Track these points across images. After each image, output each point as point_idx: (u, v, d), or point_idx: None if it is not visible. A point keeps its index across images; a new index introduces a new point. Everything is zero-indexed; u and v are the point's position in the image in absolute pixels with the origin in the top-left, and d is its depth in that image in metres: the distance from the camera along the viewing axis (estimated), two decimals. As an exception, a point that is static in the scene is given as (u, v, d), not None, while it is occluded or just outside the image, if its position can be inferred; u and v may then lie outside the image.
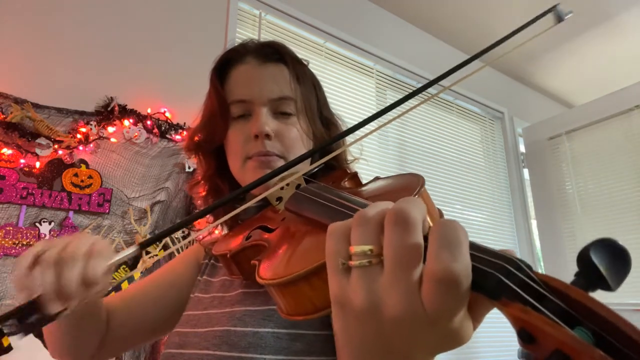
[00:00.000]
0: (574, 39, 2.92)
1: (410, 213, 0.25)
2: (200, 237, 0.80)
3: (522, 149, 3.22)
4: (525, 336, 0.22)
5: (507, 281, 0.23)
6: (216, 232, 1.03)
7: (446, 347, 0.26)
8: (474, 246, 0.26)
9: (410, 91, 0.44)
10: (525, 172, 3.18)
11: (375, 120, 0.47)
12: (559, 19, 0.49)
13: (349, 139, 0.79)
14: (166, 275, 0.74)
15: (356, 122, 0.48)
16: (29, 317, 0.39)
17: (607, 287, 0.23)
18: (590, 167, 2.83)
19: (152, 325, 0.71)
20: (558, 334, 0.20)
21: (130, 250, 0.42)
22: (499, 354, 2.48)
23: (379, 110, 0.43)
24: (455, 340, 0.26)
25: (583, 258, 0.23)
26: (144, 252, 1.50)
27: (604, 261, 0.23)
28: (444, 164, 2.69)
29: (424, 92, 0.50)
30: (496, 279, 0.23)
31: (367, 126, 0.47)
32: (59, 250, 0.43)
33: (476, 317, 0.26)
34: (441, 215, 0.38)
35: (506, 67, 3.25)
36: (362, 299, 0.25)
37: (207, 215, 0.79)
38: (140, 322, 0.70)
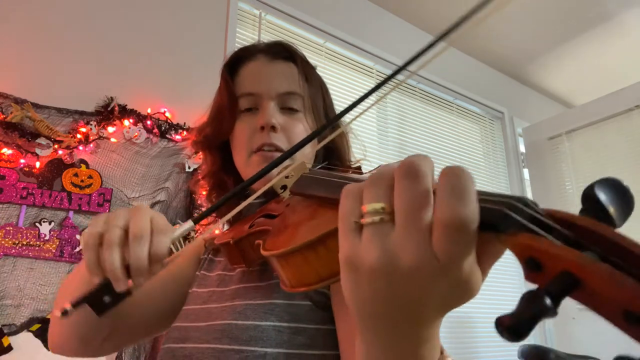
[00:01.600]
0: (574, 39, 2.92)
1: (419, 165, 0.26)
2: (207, 235, 0.80)
3: (522, 149, 3.22)
4: (532, 264, 0.22)
5: (513, 214, 0.23)
6: (216, 231, 1.03)
7: (457, 299, 0.26)
8: (482, 192, 0.26)
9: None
10: (525, 172, 3.18)
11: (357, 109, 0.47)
12: None
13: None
14: (169, 270, 0.75)
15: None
16: (103, 298, 0.41)
17: (612, 223, 0.23)
18: (590, 167, 2.83)
19: (156, 318, 0.71)
20: (564, 254, 0.21)
21: (186, 226, 0.44)
22: (499, 354, 2.48)
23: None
24: (465, 290, 0.26)
25: (588, 194, 0.24)
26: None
27: (608, 197, 0.24)
28: (444, 164, 2.69)
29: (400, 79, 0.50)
30: (503, 214, 0.24)
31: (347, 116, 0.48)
32: (122, 228, 0.43)
33: (484, 267, 0.27)
34: None
35: (506, 67, 3.25)
36: (375, 255, 0.26)
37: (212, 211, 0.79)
38: (146, 314, 0.70)
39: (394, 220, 0.26)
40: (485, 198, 0.25)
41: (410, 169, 0.26)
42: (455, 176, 0.25)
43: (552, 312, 0.20)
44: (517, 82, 3.43)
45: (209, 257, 0.73)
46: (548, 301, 0.20)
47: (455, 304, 0.27)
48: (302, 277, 0.34)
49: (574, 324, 2.62)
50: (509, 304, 2.65)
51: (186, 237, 0.46)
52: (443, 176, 0.25)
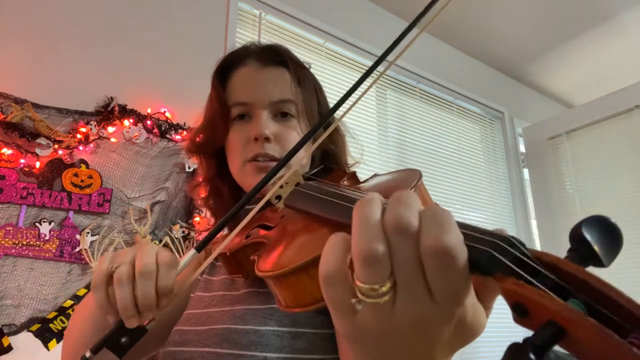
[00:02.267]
0: (574, 39, 2.92)
1: (409, 219, 0.24)
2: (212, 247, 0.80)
3: (522, 149, 3.22)
4: (519, 309, 0.22)
5: (500, 257, 0.23)
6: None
7: (464, 339, 0.26)
8: (467, 226, 0.26)
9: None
10: (525, 172, 3.18)
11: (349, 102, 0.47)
12: None
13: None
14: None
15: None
16: (120, 340, 0.42)
17: (600, 263, 0.23)
18: (590, 167, 2.83)
19: (164, 329, 0.70)
20: (551, 305, 0.21)
21: (190, 255, 0.44)
22: (499, 354, 2.48)
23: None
24: (470, 330, 0.26)
25: (575, 234, 0.24)
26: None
27: (595, 237, 0.24)
28: (444, 164, 2.69)
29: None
30: (489, 255, 0.23)
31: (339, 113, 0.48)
32: (130, 264, 0.43)
33: (486, 304, 0.27)
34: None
35: (506, 67, 3.25)
36: (382, 326, 0.25)
37: (210, 223, 0.79)
38: (157, 333, 0.69)
39: (395, 285, 0.25)
40: (471, 234, 0.25)
41: (401, 227, 0.24)
42: (431, 211, 0.24)
43: None
44: (517, 82, 3.42)
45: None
46: (532, 357, 0.20)
47: (462, 345, 0.27)
48: (297, 298, 0.34)
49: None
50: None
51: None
52: (424, 214, 0.24)
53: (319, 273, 0.26)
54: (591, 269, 0.23)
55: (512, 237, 0.24)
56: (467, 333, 0.26)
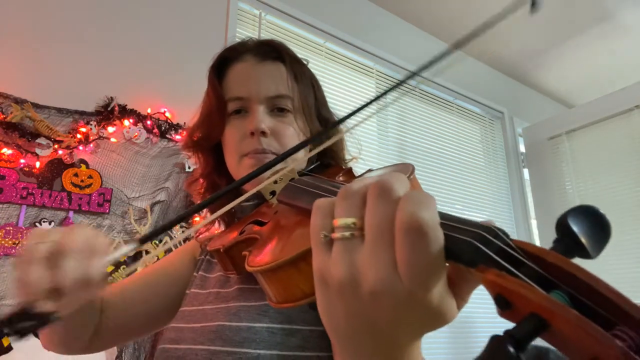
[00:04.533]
0: (574, 39, 2.92)
1: (393, 185, 0.25)
2: (197, 233, 0.80)
3: (522, 149, 3.22)
4: (502, 302, 0.22)
5: (483, 248, 0.23)
6: (216, 232, 1.03)
7: (429, 325, 0.26)
8: (451, 217, 0.26)
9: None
10: (525, 172, 3.18)
11: (363, 112, 0.47)
12: (535, 5, 0.49)
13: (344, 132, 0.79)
14: (162, 268, 0.75)
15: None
16: (22, 323, 0.36)
17: (586, 255, 0.23)
18: (590, 167, 2.83)
19: (146, 316, 0.71)
20: (533, 297, 0.20)
21: (129, 247, 0.39)
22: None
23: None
24: (437, 317, 0.26)
25: (561, 224, 0.23)
26: (144, 253, 1.50)
27: (582, 227, 0.23)
28: (444, 164, 2.69)
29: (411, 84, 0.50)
30: (473, 246, 0.23)
31: (353, 120, 0.48)
32: (53, 243, 0.39)
33: (461, 295, 0.26)
34: None
35: (506, 67, 3.25)
36: (342, 271, 0.26)
37: (205, 212, 0.79)
38: (135, 312, 0.70)
39: (363, 236, 0.26)
40: (455, 226, 0.25)
41: (384, 188, 0.25)
42: (415, 192, 0.25)
43: (516, 358, 0.19)
44: (517, 82, 3.42)
45: (206, 257, 0.73)
46: (512, 350, 0.19)
47: (429, 329, 0.27)
48: (287, 293, 0.34)
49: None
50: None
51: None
52: (405, 194, 0.25)
53: (313, 205, 0.28)
54: (578, 261, 0.22)
55: (496, 228, 0.24)
56: (434, 320, 0.26)
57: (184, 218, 0.44)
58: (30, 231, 0.39)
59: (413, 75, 0.46)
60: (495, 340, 0.20)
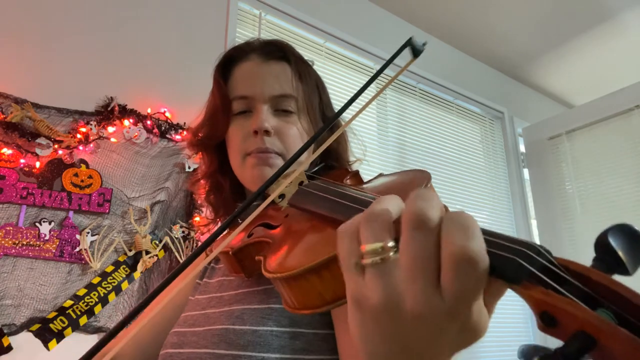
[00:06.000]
0: (574, 39, 2.92)
1: (428, 214, 0.25)
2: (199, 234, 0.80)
3: (522, 149, 3.22)
4: (547, 319, 0.22)
5: (527, 265, 0.23)
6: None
7: (466, 341, 0.26)
8: (493, 234, 0.26)
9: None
10: (525, 172, 3.18)
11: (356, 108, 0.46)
12: (416, 51, 0.49)
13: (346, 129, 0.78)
14: (172, 303, 0.73)
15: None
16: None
17: (625, 272, 0.23)
18: (590, 167, 2.83)
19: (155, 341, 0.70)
20: (581, 315, 0.20)
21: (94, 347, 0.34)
22: (498, 354, 2.48)
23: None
24: (474, 333, 0.25)
25: (601, 242, 0.24)
26: (144, 253, 1.50)
27: (621, 245, 0.23)
28: (444, 164, 2.69)
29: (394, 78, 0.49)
30: (517, 264, 0.23)
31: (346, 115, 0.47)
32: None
33: (490, 307, 0.26)
34: (446, 209, 0.38)
35: (506, 67, 3.25)
36: (379, 296, 0.25)
37: (209, 218, 0.78)
38: (151, 353, 0.69)
39: (396, 257, 0.25)
40: (498, 242, 0.25)
41: (420, 220, 0.25)
42: (459, 215, 0.25)
43: None
44: (517, 82, 3.42)
45: (211, 265, 0.73)
46: None
47: (463, 346, 0.26)
48: (307, 300, 0.34)
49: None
50: (509, 303, 2.65)
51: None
52: (447, 216, 0.25)
53: (338, 232, 0.28)
54: (617, 278, 0.23)
55: (539, 246, 0.24)
56: (470, 335, 0.26)
57: (224, 229, 0.43)
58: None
59: (388, 63, 0.45)
60: (546, 357, 0.20)
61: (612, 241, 0.23)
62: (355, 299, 0.27)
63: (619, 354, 0.19)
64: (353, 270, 0.27)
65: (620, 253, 0.23)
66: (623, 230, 0.24)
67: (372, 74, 2.50)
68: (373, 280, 0.26)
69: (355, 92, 0.46)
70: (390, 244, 0.26)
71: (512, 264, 0.23)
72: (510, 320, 2.66)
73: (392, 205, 0.27)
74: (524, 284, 0.23)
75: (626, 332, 0.19)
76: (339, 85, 2.31)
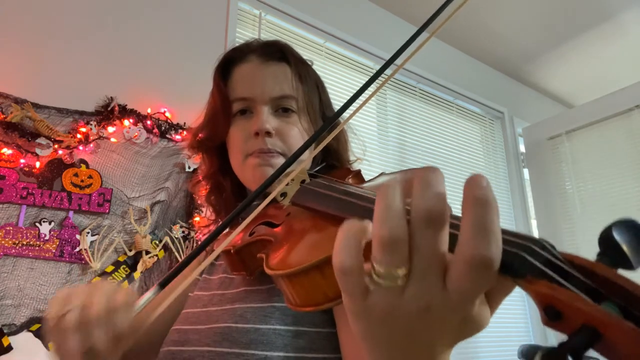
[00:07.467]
0: (574, 39, 2.92)
1: (441, 209, 0.24)
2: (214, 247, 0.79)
3: (522, 149, 3.22)
4: (552, 313, 0.22)
5: (532, 259, 0.23)
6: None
7: (467, 333, 0.26)
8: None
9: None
10: (525, 172, 3.18)
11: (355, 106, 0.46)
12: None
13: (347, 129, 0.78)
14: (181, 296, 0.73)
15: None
16: None
17: (629, 266, 0.23)
18: (590, 167, 2.83)
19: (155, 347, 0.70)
20: (586, 308, 0.20)
21: (151, 293, 0.40)
22: (499, 354, 2.48)
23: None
24: (475, 325, 0.26)
25: (605, 237, 0.24)
26: (143, 253, 1.50)
27: (625, 239, 0.24)
28: (444, 163, 2.69)
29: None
30: (521, 258, 0.23)
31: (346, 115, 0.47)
32: (80, 311, 0.40)
33: (495, 301, 0.27)
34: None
35: (506, 67, 3.25)
36: (386, 309, 0.25)
37: (210, 219, 0.78)
38: (158, 342, 0.69)
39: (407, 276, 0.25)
40: (503, 238, 0.24)
41: (433, 217, 0.24)
42: (482, 210, 0.24)
43: None
44: (517, 82, 3.42)
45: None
46: None
47: (464, 337, 0.27)
48: (309, 297, 0.34)
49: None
50: (509, 303, 2.65)
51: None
52: (469, 207, 0.24)
53: (333, 262, 0.26)
54: (621, 272, 0.23)
55: (543, 240, 0.24)
56: (472, 327, 0.26)
57: (218, 233, 0.43)
58: (52, 298, 0.42)
59: (392, 60, 0.45)
60: (551, 352, 0.20)
61: (617, 236, 0.23)
62: (358, 314, 0.26)
63: (624, 347, 0.19)
64: (357, 292, 0.25)
65: (625, 247, 0.23)
66: (627, 224, 0.24)
67: (372, 74, 2.50)
68: (382, 299, 0.25)
69: (355, 92, 0.46)
70: (407, 266, 0.24)
71: (517, 258, 0.23)
72: (510, 319, 2.67)
73: (400, 217, 0.24)
74: (528, 278, 0.23)
75: (632, 325, 0.19)
76: (339, 85, 2.31)
